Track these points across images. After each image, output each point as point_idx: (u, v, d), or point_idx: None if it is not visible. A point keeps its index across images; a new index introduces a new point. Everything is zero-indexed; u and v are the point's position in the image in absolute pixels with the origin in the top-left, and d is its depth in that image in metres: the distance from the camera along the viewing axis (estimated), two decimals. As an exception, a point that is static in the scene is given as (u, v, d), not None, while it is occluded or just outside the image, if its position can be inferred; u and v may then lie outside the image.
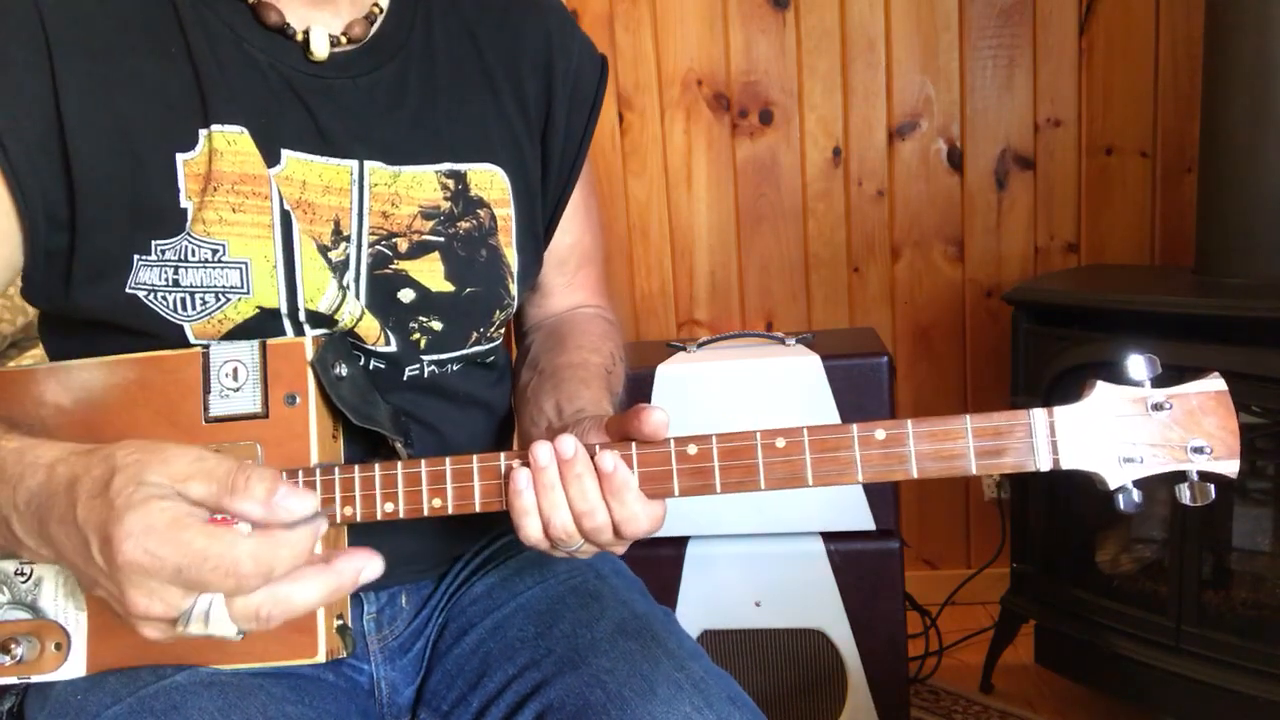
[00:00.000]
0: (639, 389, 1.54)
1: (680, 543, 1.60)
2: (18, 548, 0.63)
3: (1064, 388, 1.58)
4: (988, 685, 1.85)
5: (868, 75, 2.04)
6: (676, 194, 2.12)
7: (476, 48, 0.86)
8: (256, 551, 0.55)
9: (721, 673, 0.78)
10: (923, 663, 1.90)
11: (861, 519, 1.55)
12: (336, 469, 0.73)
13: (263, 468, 0.57)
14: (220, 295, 0.74)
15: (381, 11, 0.83)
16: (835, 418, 1.53)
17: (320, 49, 0.78)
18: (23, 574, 0.74)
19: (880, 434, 0.68)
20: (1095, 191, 2.03)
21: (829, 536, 1.56)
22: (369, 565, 0.58)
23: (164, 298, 0.74)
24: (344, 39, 0.80)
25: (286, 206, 0.76)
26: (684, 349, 1.65)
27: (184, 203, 0.74)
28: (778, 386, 1.54)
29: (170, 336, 0.75)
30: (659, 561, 1.59)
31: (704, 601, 1.58)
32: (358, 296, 0.78)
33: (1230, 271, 1.55)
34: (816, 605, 1.57)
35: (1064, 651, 1.69)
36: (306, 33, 0.78)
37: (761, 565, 1.58)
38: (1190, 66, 1.92)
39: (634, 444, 0.70)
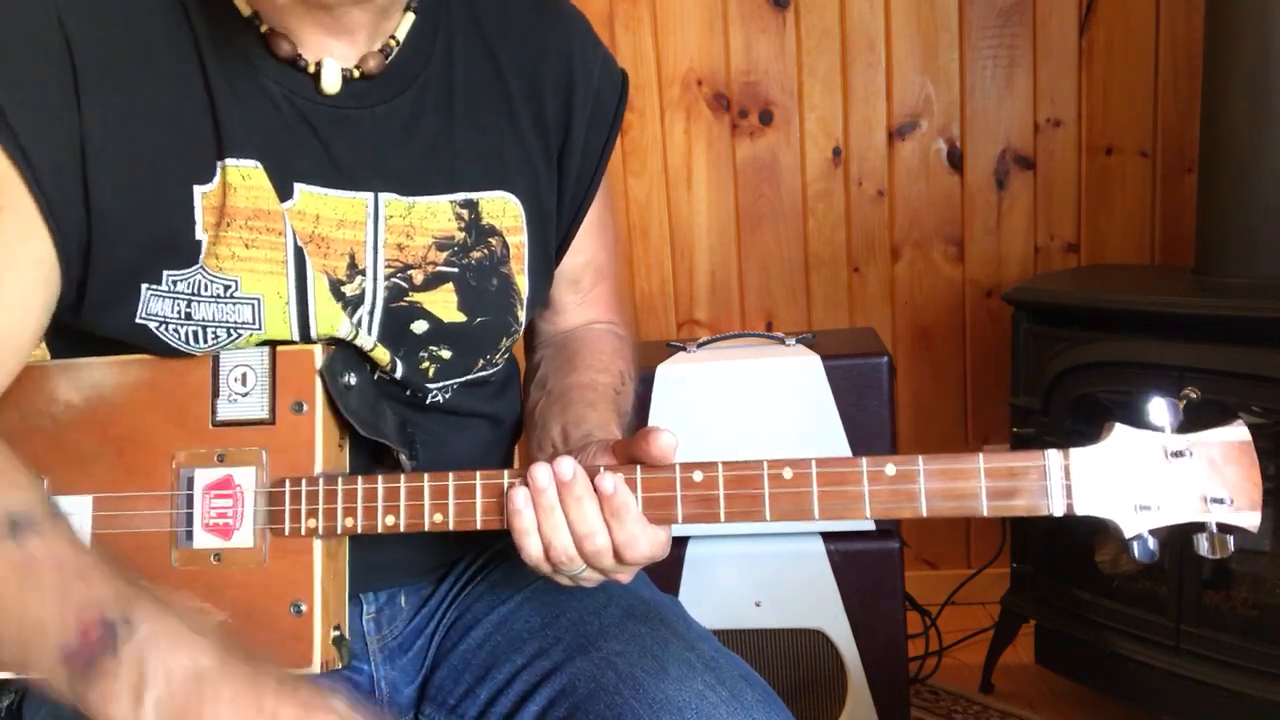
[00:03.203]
0: (639, 389, 1.54)
1: (680, 543, 1.60)
2: (116, 700, 0.62)
3: (1064, 388, 1.58)
4: (988, 685, 1.85)
5: (868, 75, 2.04)
6: (676, 194, 2.12)
7: (497, 70, 0.84)
8: None
9: (731, 653, 0.79)
10: (923, 663, 1.90)
11: (861, 519, 1.55)
12: (340, 479, 0.73)
13: None
14: (232, 330, 0.74)
15: (398, 44, 0.80)
16: (835, 418, 1.53)
17: (331, 84, 0.76)
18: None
19: (891, 469, 0.67)
20: (1095, 191, 2.03)
21: (829, 536, 1.56)
22: None
23: (175, 330, 0.73)
24: (357, 72, 0.78)
25: (300, 243, 0.75)
26: (684, 349, 1.65)
27: (199, 235, 0.73)
28: (778, 386, 1.54)
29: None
30: (659, 561, 1.58)
31: (704, 601, 1.58)
32: (370, 331, 0.78)
33: (1230, 271, 1.54)
34: (816, 605, 1.57)
35: (1064, 651, 1.69)
36: (319, 65, 0.76)
37: (761, 565, 1.58)
38: (1190, 66, 1.92)
39: (639, 468, 0.69)
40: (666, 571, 1.59)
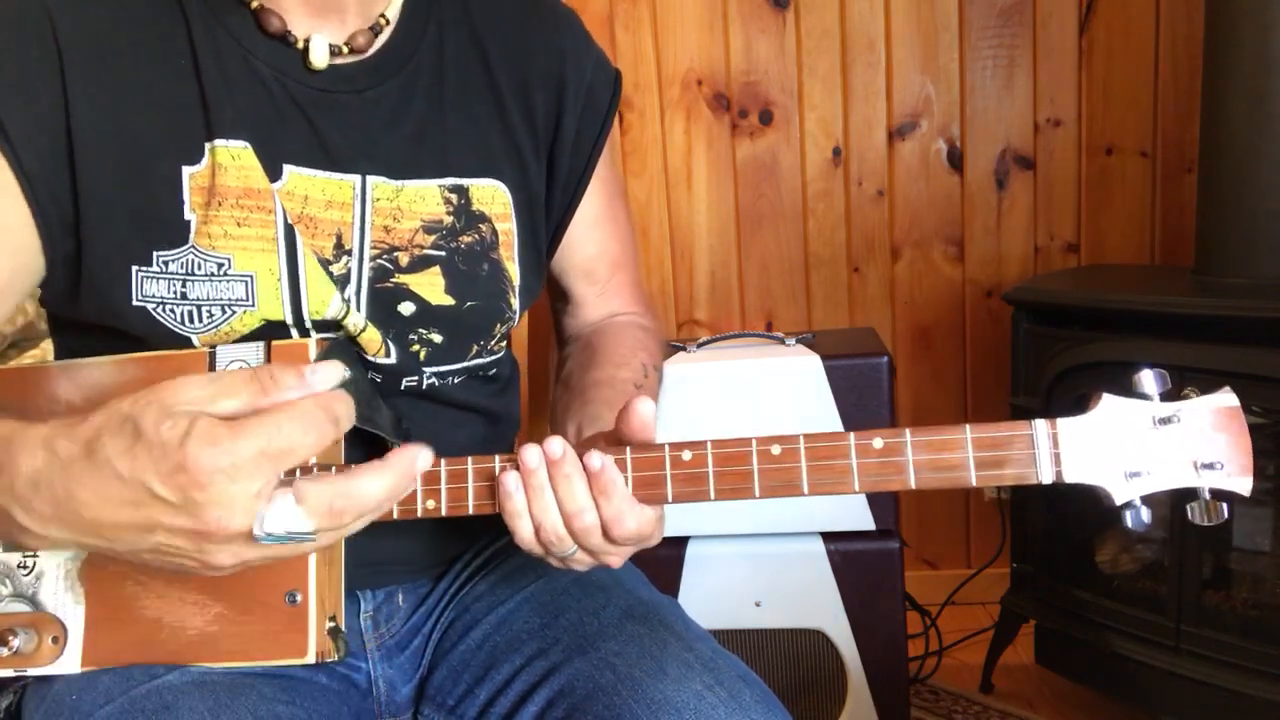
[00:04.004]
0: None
1: (680, 543, 1.60)
2: (21, 535, 0.61)
3: (1064, 388, 1.58)
4: (988, 685, 1.85)
5: (868, 75, 2.04)
6: (676, 194, 2.12)
7: (485, 61, 0.86)
8: (318, 401, 0.58)
9: (729, 654, 0.79)
10: (923, 663, 1.90)
11: (861, 519, 1.55)
12: (333, 468, 0.73)
13: (269, 364, 0.59)
14: (226, 308, 0.75)
15: (389, 23, 0.82)
16: (835, 418, 1.53)
17: (319, 59, 0.78)
18: (25, 567, 0.74)
19: (878, 443, 0.67)
20: (1095, 191, 2.03)
21: (829, 536, 1.56)
22: (421, 454, 0.62)
23: (172, 310, 0.74)
24: (346, 49, 0.79)
25: (290, 221, 0.76)
26: (684, 349, 1.65)
27: (187, 215, 0.74)
28: (778, 386, 1.54)
29: (177, 347, 0.75)
30: (659, 561, 1.59)
31: (704, 601, 1.58)
32: (359, 309, 0.79)
33: (1230, 271, 1.55)
34: (816, 605, 1.57)
35: (1064, 651, 1.69)
36: (308, 41, 0.78)
37: (761, 565, 1.58)
38: (1190, 66, 1.92)
39: (628, 449, 0.69)
40: (666, 571, 1.59)
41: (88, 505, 0.58)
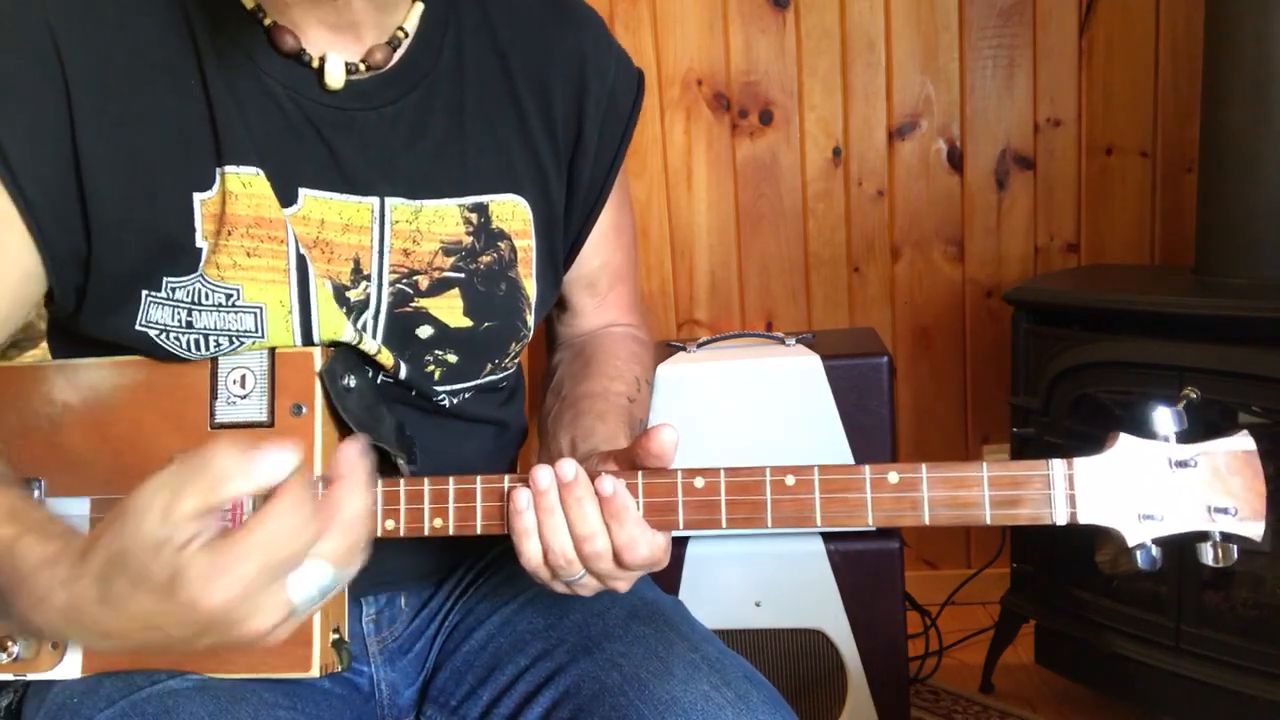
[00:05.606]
0: (639, 389, 1.54)
1: (680, 543, 1.60)
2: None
3: (1064, 388, 1.58)
4: (988, 685, 1.85)
5: (868, 75, 2.04)
6: (676, 194, 2.12)
7: (506, 70, 0.83)
8: (293, 497, 0.55)
9: (735, 654, 0.79)
10: (923, 663, 1.90)
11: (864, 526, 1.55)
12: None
13: (219, 447, 0.55)
14: (234, 338, 0.73)
15: (407, 35, 0.79)
16: (835, 418, 1.53)
17: (335, 79, 0.75)
18: (21, 573, 0.74)
19: (893, 477, 0.67)
20: (1095, 191, 2.03)
21: (829, 536, 1.56)
22: (349, 447, 0.60)
23: (176, 338, 0.73)
24: (363, 66, 0.77)
25: (302, 250, 0.74)
26: (684, 349, 1.65)
27: (199, 243, 0.72)
28: (778, 386, 1.54)
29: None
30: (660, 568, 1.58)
31: (704, 601, 1.57)
32: (374, 336, 0.77)
33: (1230, 271, 1.55)
34: (816, 605, 1.57)
35: (1064, 651, 1.69)
36: (323, 60, 0.75)
37: (761, 565, 1.58)
38: (1190, 66, 1.92)
39: (640, 474, 0.69)
40: (666, 571, 1.56)
41: (129, 633, 0.58)
